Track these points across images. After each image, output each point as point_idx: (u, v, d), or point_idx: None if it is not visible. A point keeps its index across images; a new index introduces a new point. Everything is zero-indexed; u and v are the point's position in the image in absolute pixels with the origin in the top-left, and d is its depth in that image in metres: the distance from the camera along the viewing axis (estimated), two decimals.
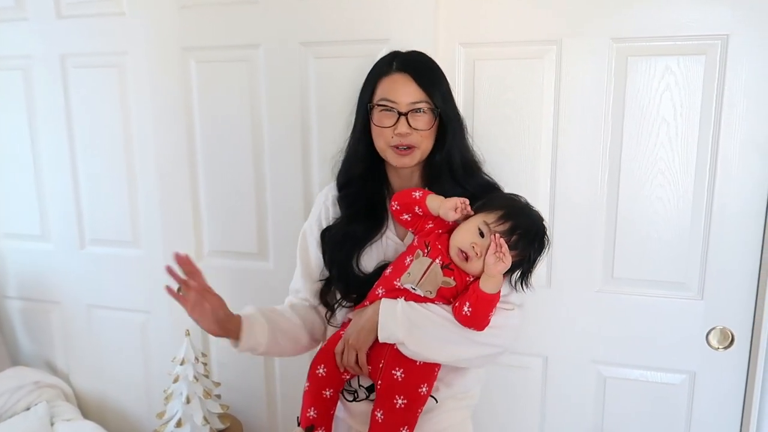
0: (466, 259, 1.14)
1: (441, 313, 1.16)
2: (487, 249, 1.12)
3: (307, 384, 1.23)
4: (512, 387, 1.71)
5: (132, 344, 2.07)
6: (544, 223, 1.21)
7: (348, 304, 1.29)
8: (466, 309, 1.13)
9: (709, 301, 1.53)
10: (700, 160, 1.48)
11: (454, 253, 1.16)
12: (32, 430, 1.91)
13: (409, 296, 1.17)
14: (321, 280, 1.35)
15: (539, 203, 1.58)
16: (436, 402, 1.25)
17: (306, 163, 1.76)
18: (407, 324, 1.14)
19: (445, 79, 1.28)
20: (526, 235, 1.15)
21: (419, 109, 1.22)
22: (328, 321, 1.35)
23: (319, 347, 1.34)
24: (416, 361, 1.17)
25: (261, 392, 1.97)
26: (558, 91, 1.54)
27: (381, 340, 1.16)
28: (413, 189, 1.23)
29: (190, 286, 1.17)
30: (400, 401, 1.15)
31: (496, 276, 1.12)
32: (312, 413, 1.21)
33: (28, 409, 2.01)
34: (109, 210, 2.00)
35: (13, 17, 1.95)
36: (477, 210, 1.18)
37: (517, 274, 1.21)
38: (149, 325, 2.04)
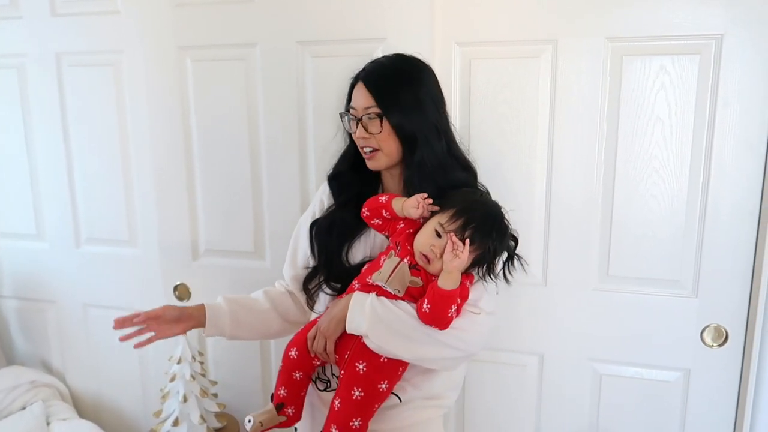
0: (428, 261, 1.16)
1: (409, 310, 1.18)
2: (444, 248, 1.14)
3: (281, 364, 1.28)
4: (508, 385, 1.72)
5: (128, 343, 2.05)
6: (499, 211, 1.21)
7: (330, 291, 1.32)
8: (425, 306, 1.14)
9: (703, 299, 1.54)
10: (695, 158, 1.49)
11: (417, 257, 1.18)
12: (28, 429, 1.91)
13: (381, 292, 1.19)
14: (307, 268, 1.39)
15: (535, 202, 1.60)
16: (400, 401, 1.27)
17: (302, 161, 1.76)
18: (373, 318, 1.16)
19: (417, 87, 1.25)
20: (480, 228, 1.16)
21: (370, 114, 1.25)
22: (312, 308, 1.38)
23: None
24: (381, 357, 1.18)
25: (257, 391, 1.98)
26: (554, 90, 1.55)
27: (348, 330, 1.19)
28: (380, 195, 1.27)
29: (145, 327, 1.35)
30: (357, 393, 1.17)
31: (452, 272, 1.13)
32: (282, 392, 1.27)
33: (23, 408, 2.01)
34: (105, 209, 2.00)
35: (7, 15, 1.94)
36: (435, 212, 1.19)
37: (483, 268, 1.21)
38: None
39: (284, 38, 1.70)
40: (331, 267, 1.32)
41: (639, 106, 1.50)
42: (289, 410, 1.27)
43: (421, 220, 1.22)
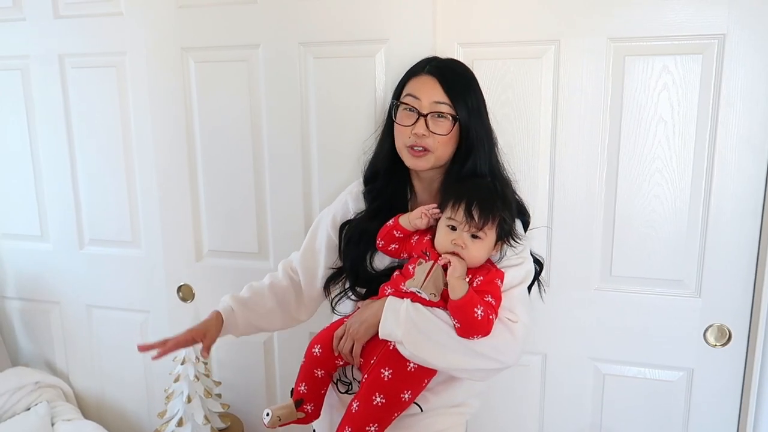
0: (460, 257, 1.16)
1: (445, 318, 1.15)
2: (463, 238, 1.15)
3: (303, 360, 1.27)
4: (511, 384, 1.72)
5: (132, 344, 2.04)
6: (489, 182, 1.22)
7: (354, 297, 1.31)
8: (455, 323, 1.14)
9: (706, 299, 1.55)
10: (698, 158, 1.49)
11: (448, 256, 1.17)
12: (33, 430, 1.92)
13: (416, 299, 1.17)
14: (332, 269, 1.38)
15: (538, 202, 1.60)
16: (422, 411, 1.25)
17: (305, 161, 1.76)
18: (408, 324, 1.14)
19: (478, 93, 1.27)
20: (482, 202, 1.15)
21: (440, 113, 1.21)
22: (333, 309, 1.37)
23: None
24: (407, 366, 1.16)
25: (261, 391, 1.98)
26: (556, 90, 1.55)
27: (380, 336, 1.16)
28: (386, 224, 1.26)
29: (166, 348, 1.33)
30: (378, 399, 1.15)
31: (452, 283, 1.12)
32: (303, 388, 1.26)
33: (28, 409, 2.02)
34: (109, 210, 2.00)
35: (10, 17, 1.95)
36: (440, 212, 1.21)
37: (508, 240, 1.21)
38: (149, 324, 2.04)
39: (287, 39, 1.70)
40: (358, 274, 1.31)
41: (641, 107, 1.51)
42: (308, 407, 1.25)
43: (428, 229, 1.23)
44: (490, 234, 1.16)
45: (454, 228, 1.16)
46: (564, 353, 1.68)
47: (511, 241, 1.22)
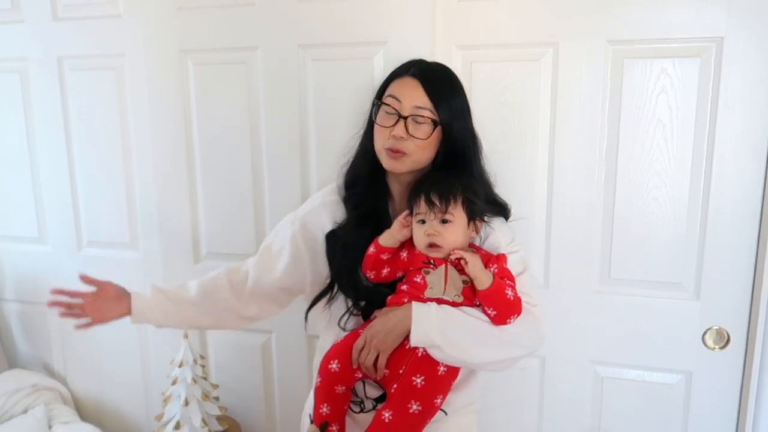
0: (438, 246, 1.15)
1: (476, 314, 1.15)
2: (433, 227, 1.15)
3: (319, 379, 1.21)
4: (510, 387, 1.72)
5: (130, 347, 2.07)
6: (439, 172, 1.21)
7: (357, 312, 1.25)
8: (490, 312, 1.14)
9: (705, 302, 1.54)
10: (696, 161, 1.49)
11: (432, 253, 1.16)
12: None
13: (440, 302, 1.15)
14: (324, 290, 1.31)
15: (536, 204, 1.60)
16: (446, 414, 1.23)
17: (304, 164, 1.76)
18: (443, 327, 1.11)
19: (463, 98, 1.24)
20: (439, 188, 1.15)
21: (421, 116, 1.18)
22: (343, 329, 1.29)
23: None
24: (438, 371, 1.14)
25: (259, 394, 1.98)
26: (555, 93, 1.55)
27: (413, 344, 1.13)
28: (366, 252, 1.22)
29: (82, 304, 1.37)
30: (415, 407, 1.12)
31: (478, 275, 1.13)
32: (325, 409, 1.19)
33: (25, 411, 2.01)
34: (107, 212, 2.00)
35: (9, 19, 1.95)
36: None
37: (482, 215, 1.21)
38: (147, 327, 2.02)
39: (285, 41, 1.70)
40: (357, 287, 1.24)
41: (640, 109, 1.51)
42: (334, 428, 1.19)
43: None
44: (458, 215, 1.16)
45: (423, 221, 1.16)
46: (563, 356, 1.67)
47: (485, 218, 1.22)
